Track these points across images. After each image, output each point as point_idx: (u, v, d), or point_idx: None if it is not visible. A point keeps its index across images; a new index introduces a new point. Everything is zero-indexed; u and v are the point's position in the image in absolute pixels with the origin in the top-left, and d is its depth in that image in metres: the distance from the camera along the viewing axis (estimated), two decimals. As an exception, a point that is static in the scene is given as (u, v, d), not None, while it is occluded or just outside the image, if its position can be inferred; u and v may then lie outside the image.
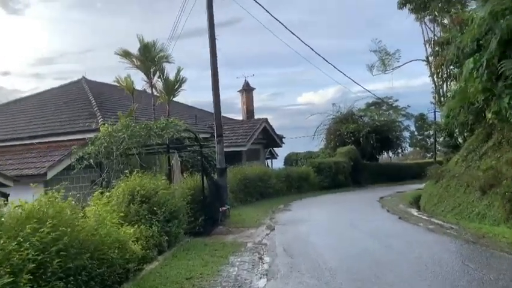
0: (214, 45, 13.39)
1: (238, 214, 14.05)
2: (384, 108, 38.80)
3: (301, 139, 39.81)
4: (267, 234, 10.81)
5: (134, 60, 15.42)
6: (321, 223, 12.71)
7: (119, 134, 10.33)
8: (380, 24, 71.80)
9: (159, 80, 16.20)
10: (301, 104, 79.51)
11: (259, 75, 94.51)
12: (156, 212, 8.53)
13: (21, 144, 16.11)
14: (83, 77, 23.55)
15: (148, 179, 9.15)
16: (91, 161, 10.57)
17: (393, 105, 38.60)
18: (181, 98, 23.32)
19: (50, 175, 13.98)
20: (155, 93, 16.42)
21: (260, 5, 14.47)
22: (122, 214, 7.68)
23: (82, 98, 20.29)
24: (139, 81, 16.33)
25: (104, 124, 11.38)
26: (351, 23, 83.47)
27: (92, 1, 77.56)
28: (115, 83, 16.32)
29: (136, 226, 7.75)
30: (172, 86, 16.34)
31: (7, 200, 14.08)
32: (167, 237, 8.57)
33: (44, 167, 14.07)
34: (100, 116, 15.36)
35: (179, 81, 16.44)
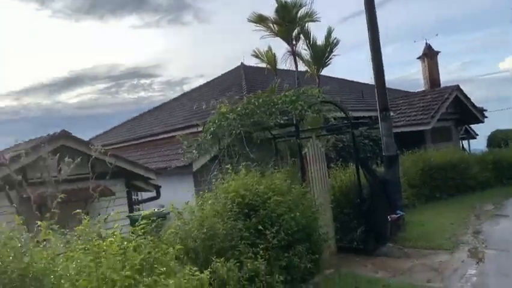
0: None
1: (419, 222, 9.56)
2: None
3: (508, 112, 30.38)
4: (470, 274, 6.20)
5: (271, 26, 12.42)
6: None
7: (232, 114, 7.38)
8: None
9: (304, 47, 12.83)
10: (504, 71, 64.03)
11: (441, 44, 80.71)
12: (265, 231, 5.23)
13: (169, 137, 15.24)
14: (242, 63, 22.10)
15: (255, 177, 5.91)
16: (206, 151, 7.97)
17: None
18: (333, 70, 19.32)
19: (195, 167, 12.56)
20: (302, 65, 13.15)
21: None
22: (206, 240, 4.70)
23: (236, 84, 18.73)
24: (280, 55, 13.31)
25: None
26: None
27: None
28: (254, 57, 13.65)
29: (222, 260, 4.59)
30: (322, 53, 12.73)
31: (159, 192, 13.36)
32: (286, 276, 5.15)
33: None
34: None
35: (330, 45, 12.74)
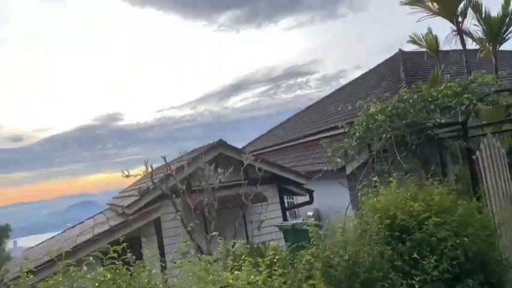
0: None
1: None
2: None
3: None
4: None
5: (430, 5, 10.71)
6: None
7: (381, 116, 6.48)
8: None
9: (473, 23, 10.71)
10: None
11: None
12: (422, 260, 4.28)
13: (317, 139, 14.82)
14: (399, 49, 20.11)
15: (409, 192, 4.94)
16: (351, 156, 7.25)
17: None
18: None
19: (349, 169, 11.86)
20: (471, 45, 11.02)
21: None
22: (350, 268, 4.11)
23: (392, 75, 17.17)
24: (443, 37, 11.38)
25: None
26: None
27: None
28: (411, 43, 12.05)
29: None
30: (497, 26, 10.42)
31: (312, 196, 13.13)
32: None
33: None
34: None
35: (508, 16, 10.32)
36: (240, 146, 22.98)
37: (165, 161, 8.56)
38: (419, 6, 10.69)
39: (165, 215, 9.94)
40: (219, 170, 8.68)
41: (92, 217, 15.74)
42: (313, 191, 12.59)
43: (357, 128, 6.73)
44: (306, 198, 12.74)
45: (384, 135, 6.19)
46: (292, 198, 15.08)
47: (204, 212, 8.85)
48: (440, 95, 6.19)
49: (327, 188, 12.45)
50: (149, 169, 8.25)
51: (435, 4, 10.52)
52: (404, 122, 6.15)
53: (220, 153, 10.72)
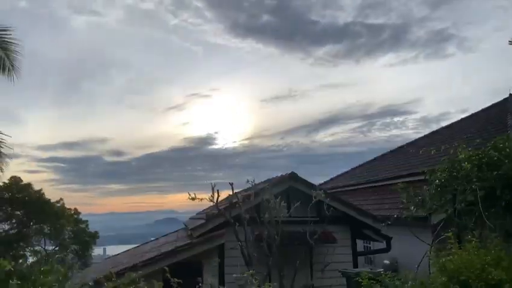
0: None
1: None
2: None
3: None
4: None
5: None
6: None
7: (466, 164, 5.68)
8: None
9: None
10: None
11: None
12: None
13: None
14: (510, 94, 18.15)
15: (489, 254, 4.12)
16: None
17: None
18: None
19: (435, 219, 10.72)
20: None
21: None
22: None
23: (498, 122, 15.43)
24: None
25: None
26: None
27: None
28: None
29: None
30: None
31: (389, 244, 12.01)
32: None
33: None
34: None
35: None
36: (323, 182, 22.38)
37: (232, 188, 8.51)
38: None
39: (229, 243, 9.80)
40: (282, 204, 8.35)
41: (167, 234, 16.27)
42: (391, 238, 11.54)
43: (438, 174, 5.97)
44: (383, 245, 11.71)
45: (469, 186, 5.37)
46: (370, 243, 14.02)
47: (269, 244, 8.56)
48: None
49: (409, 237, 11.33)
50: (216, 194, 8.24)
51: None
52: (496, 173, 5.28)
53: (291, 186, 10.39)
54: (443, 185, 5.82)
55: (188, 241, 9.90)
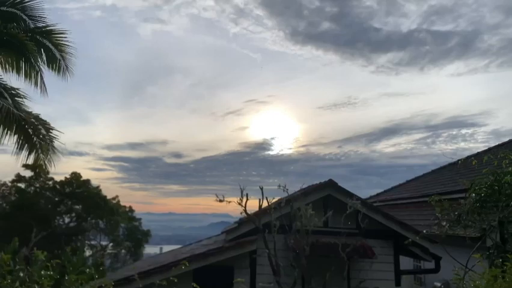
0: None
1: None
2: None
3: None
4: None
5: None
6: None
7: (510, 176, 4.94)
8: None
9: None
10: None
11: None
12: None
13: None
14: None
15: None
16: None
17: None
18: None
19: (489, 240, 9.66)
20: None
21: None
22: None
23: None
24: None
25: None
26: None
27: None
28: None
29: None
30: None
31: (438, 264, 11.00)
32: None
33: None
34: None
35: None
36: (375, 194, 21.30)
37: (262, 193, 8.19)
38: None
39: (261, 250, 9.50)
40: (311, 212, 7.89)
41: (210, 237, 16.28)
42: (440, 258, 10.55)
43: (477, 188, 5.25)
44: (433, 264, 10.75)
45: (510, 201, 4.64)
46: (420, 262, 13.00)
47: (302, 253, 8.14)
48: None
49: (460, 257, 10.31)
50: (244, 199, 7.99)
51: None
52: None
53: (330, 195, 9.87)
54: (482, 200, 5.10)
55: (221, 245, 9.75)
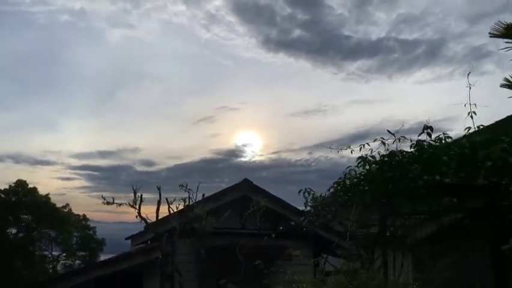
0: None
1: None
2: None
3: None
4: None
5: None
6: None
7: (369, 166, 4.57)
8: None
9: None
10: None
11: None
12: None
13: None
14: None
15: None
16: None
17: None
18: None
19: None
20: None
21: None
22: None
23: None
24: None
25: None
26: None
27: None
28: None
29: None
30: None
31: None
32: None
33: None
34: None
35: None
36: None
37: (160, 194, 7.70)
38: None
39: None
40: (206, 215, 7.46)
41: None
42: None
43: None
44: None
45: (357, 193, 4.27)
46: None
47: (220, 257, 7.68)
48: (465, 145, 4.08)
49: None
50: (138, 201, 7.48)
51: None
52: (390, 175, 4.16)
53: (246, 195, 9.45)
54: (347, 190, 4.71)
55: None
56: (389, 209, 4.32)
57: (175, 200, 7.49)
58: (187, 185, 7.68)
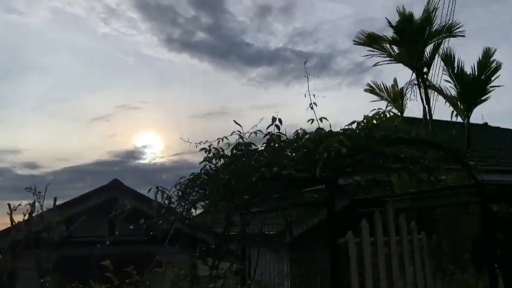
0: None
1: None
2: None
3: None
4: None
5: (387, 47, 8.82)
6: None
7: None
8: None
9: (445, 78, 8.66)
10: None
11: None
12: None
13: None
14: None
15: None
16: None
17: None
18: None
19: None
20: (437, 100, 8.91)
21: None
22: None
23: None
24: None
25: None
26: None
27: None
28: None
29: None
30: (472, 84, 8.31)
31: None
32: None
33: None
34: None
35: (488, 71, 8.24)
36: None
37: (10, 208, 6.59)
38: (375, 47, 8.79)
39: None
40: (56, 223, 6.66)
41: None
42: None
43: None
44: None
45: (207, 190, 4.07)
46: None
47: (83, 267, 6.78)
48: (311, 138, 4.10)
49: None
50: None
51: (394, 47, 8.62)
52: (233, 167, 4.04)
53: (115, 198, 8.73)
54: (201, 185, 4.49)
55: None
56: (234, 206, 4.18)
57: (20, 205, 6.44)
58: (35, 188, 6.64)
